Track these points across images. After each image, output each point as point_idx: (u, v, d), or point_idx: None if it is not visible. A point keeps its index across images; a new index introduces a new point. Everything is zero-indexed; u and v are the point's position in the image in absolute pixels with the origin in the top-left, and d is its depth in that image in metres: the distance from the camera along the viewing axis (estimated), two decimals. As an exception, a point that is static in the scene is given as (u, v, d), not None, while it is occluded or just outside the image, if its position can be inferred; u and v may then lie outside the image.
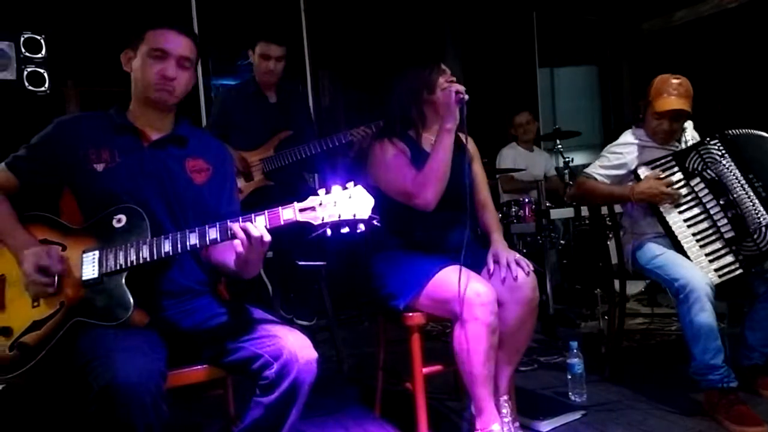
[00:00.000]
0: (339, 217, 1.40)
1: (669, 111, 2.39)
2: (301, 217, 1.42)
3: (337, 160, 3.07)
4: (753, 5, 5.28)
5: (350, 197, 1.40)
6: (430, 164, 2.00)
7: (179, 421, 2.33)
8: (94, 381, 1.27)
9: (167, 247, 1.46)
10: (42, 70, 3.40)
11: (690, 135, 2.58)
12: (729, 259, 2.27)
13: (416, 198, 2.00)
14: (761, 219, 2.25)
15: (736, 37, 5.40)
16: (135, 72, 1.64)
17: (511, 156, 4.54)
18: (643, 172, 2.41)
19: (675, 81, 2.43)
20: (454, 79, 2.12)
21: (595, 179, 2.52)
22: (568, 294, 4.01)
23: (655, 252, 2.37)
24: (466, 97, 1.99)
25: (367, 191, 1.42)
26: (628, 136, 2.56)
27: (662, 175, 2.36)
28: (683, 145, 2.52)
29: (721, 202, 2.31)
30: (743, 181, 2.30)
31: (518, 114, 4.60)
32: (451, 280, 1.90)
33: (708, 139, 2.39)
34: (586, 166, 2.68)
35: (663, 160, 2.40)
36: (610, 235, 2.88)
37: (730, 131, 2.39)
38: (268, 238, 1.41)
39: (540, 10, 6.00)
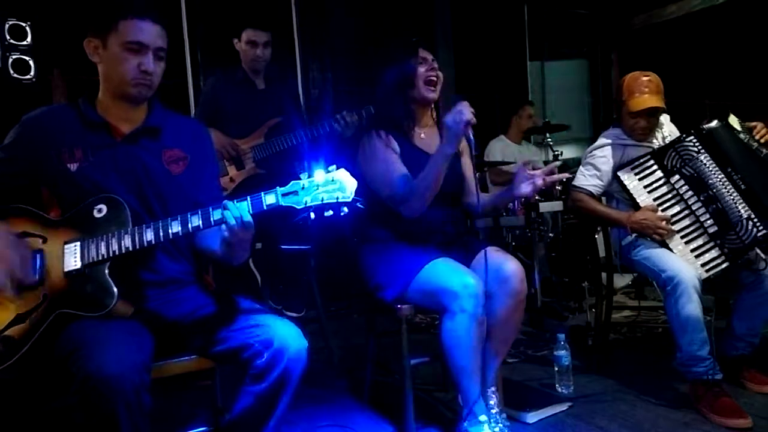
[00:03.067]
0: (322, 200, 1.39)
1: (644, 110, 2.43)
2: (284, 202, 1.41)
3: (323, 148, 3.06)
4: (742, 1, 5.30)
5: (333, 180, 1.40)
6: (422, 181, 1.95)
7: (166, 411, 2.31)
8: (77, 372, 1.26)
9: (149, 235, 1.45)
10: (27, 58, 3.36)
11: (667, 129, 2.61)
12: (714, 253, 2.29)
13: (401, 206, 1.99)
14: (742, 212, 2.28)
15: (724, 33, 5.42)
16: (106, 65, 1.57)
17: (499, 148, 4.54)
18: (623, 174, 2.42)
19: (645, 78, 2.46)
20: (437, 71, 2.08)
21: (590, 192, 2.53)
22: (555, 287, 4.02)
23: (643, 244, 2.39)
24: (474, 120, 1.86)
25: (354, 181, 1.42)
26: (603, 139, 2.59)
27: (658, 202, 2.36)
28: (660, 140, 2.55)
29: (702, 198, 2.33)
30: (722, 175, 2.32)
31: (528, 105, 4.68)
32: (439, 272, 1.90)
33: (684, 135, 2.42)
34: (576, 159, 2.69)
35: (642, 160, 2.42)
36: (598, 229, 2.90)
37: (705, 125, 2.40)
38: (247, 218, 1.39)
39: (531, 3, 5.99)
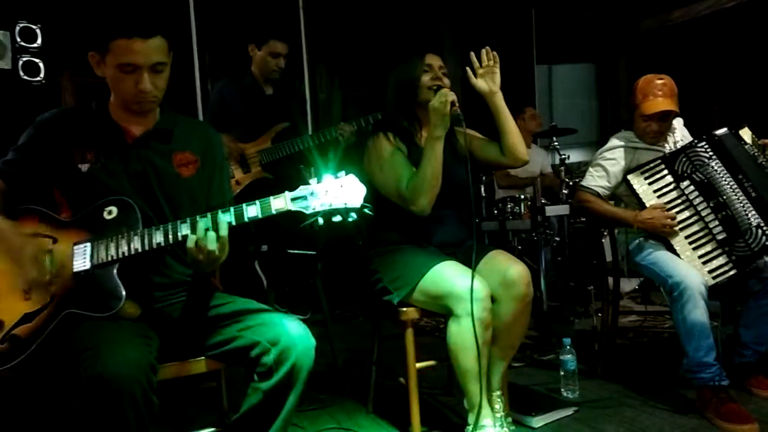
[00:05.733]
0: (330, 205, 1.40)
1: (656, 113, 2.41)
2: (293, 206, 1.42)
3: (329, 153, 3.08)
4: (750, 5, 5.29)
5: (342, 186, 1.41)
6: (421, 173, 1.97)
7: (172, 413, 2.32)
8: (84, 372, 1.27)
9: (159, 237, 1.46)
10: (37, 60, 3.38)
11: (680, 134, 2.59)
12: (722, 260, 2.27)
13: (411, 205, 1.99)
14: (752, 219, 2.26)
15: (732, 37, 5.40)
16: (108, 80, 1.57)
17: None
18: (633, 177, 2.41)
19: (659, 81, 2.44)
20: (442, 78, 2.09)
21: (597, 193, 2.52)
22: (562, 291, 4.01)
23: (650, 249, 2.38)
24: (458, 105, 1.95)
25: (363, 186, 1.43)
26: (614, 141, 2.58)
27: (667, 207, 2.34)
28: (672, 145, 2.53)
29: (711, 205, 2.31)
30: (732, 182, 2.31)
31: (529, 107, 4.71)
32: (445, 276, 1.91)
33: (695, 141, 2.40)
34: (582, 163, 2.69)
35: (653, 164, 2.41)
36: (605, 233, 2.89)
37: (717, 132, 2.39)
38: (213, 247, 1.41)
39: (538, 7, 5.99)
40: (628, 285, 4.09)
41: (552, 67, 6.29)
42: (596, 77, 6.62)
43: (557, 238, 4.14)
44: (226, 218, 1.44)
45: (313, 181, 1.42)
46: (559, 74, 6.35)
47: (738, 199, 2.29)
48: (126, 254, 1.46)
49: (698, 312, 2.13)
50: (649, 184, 2.40)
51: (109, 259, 1.46)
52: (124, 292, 1.44)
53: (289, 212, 1.43)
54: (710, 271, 2.26)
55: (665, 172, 2.39)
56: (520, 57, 5.94)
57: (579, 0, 6.06)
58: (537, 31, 6.02)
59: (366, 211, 1.42)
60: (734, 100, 5.22)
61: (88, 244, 1.49)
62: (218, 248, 1.43)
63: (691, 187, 2.35)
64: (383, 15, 5.02)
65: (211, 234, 1.42)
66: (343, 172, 1.43)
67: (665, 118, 2.45)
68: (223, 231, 1.43)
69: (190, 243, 1.43)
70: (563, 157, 4.23)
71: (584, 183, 2.57)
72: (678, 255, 2.30)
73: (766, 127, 2.51)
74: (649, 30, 6.23)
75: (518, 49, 5.92)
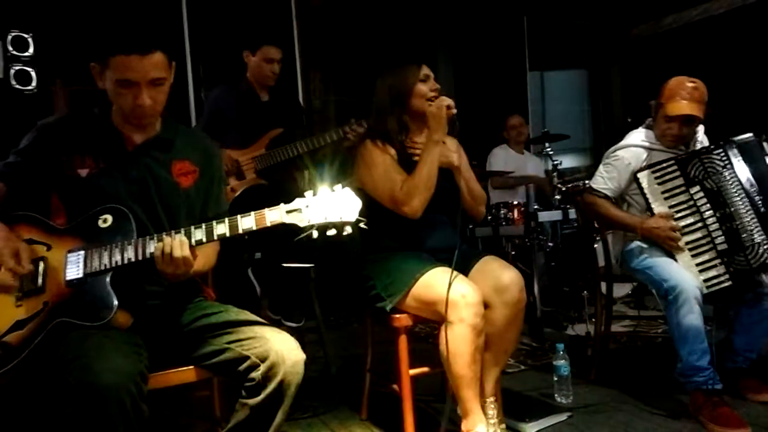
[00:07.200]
0: (325, 219, 1.40)
1: (680, 116, 2.36)
2: (288, 219, 1.42)
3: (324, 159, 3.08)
4: (740, 12, 5.34)
5: (337, 199, 1.41)
6: (417, 175, 1.99)
7: (165, 422, 2.31)
8: (73, 380, 1.27)
9: (152, 247, 1.46)
10: (29, 69, 3.38)
11: (700, 140, 2.53)
12: (719, 270, 2.25)
13: (403, 206, 2.00)
14: (755, 236, 2.23)
15: (723, 43, 5.45)
16: (108, 92, 1.57)
17: (502, 157, 4.56)
18: (642, 176, 2.36)
19: (690, 85, 2.37)
20: (438, 87, 2.12)
21: (606, 195, 2.49)
22: (555, 296, 4.02)
23: (646, 253, 2.37)
24: (454, 111, 2.02)
25: (354, 191, 1.43)
26: (638, 136, 2.51)
27: (675, 217, 2.30)
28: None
29: (718, 215, 2.27)
30: (743, 195, 2.26)
31: (511, 116, 4.67)
32: (437, 281, 1.91)
33: (713, 146, 2.34)
34: (575, 169, 2.69)
35: (665, 164, 2.35)
36: (598, 238, 2.89)
37: (735, 138, 2.33)
38: (179, 253, 1.44)
39: (531, 14, 6.03)
40: (622, 290, 4.10)
41: (544, 74, 6.31)
42: (588, 83, 6.65)
43: (550, 244, 4.15)
44: (208, 233, 1.45)
45: (308, 193, 1.43)
46: (552, 80, 6.38)
47: (746, 212, 2.25)
48: (119, 263, 1.46)
49: (693, 316, 2.13)
50: (659, 184, 2.34)
51: (103, 267, 1.46)
52: (116, 302, 1.44)
53: (284, 225, 1.43)
54: (705, 280, 2.25)
55: (677, 173, 2.33)
56: (513, 63, 5.97)
57: (571, 7, 6.09)
58: (529, 37, 6.05)
59: (361, 225, 1.43)
60: (726, 105, 5.26)
61: (82, 252, 1.49)
62: (182, 262, 1.45)
63: (701, 194, 2.30)
64: (376, 21, 5.03)
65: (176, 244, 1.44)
66: (339, 185, 1.43)
67: (689, 123, 2.39)
68: (186, 250, 1.45)
69: (157, 252, 1.45)
70: (556, 162, 4.25)
71: (594, 185, 2.53)
72: (675, 259, 2.29)
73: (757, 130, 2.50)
74: (641, 36, 6.27)
75: (511, 56, 5.95)
